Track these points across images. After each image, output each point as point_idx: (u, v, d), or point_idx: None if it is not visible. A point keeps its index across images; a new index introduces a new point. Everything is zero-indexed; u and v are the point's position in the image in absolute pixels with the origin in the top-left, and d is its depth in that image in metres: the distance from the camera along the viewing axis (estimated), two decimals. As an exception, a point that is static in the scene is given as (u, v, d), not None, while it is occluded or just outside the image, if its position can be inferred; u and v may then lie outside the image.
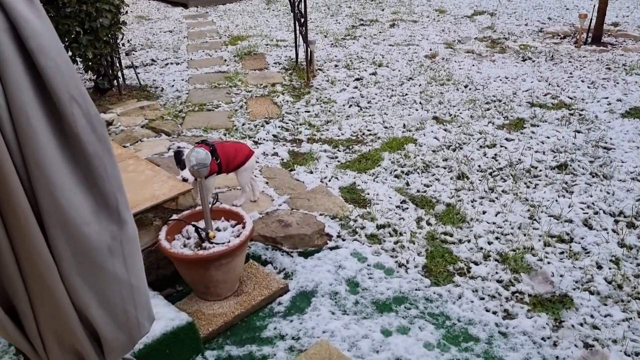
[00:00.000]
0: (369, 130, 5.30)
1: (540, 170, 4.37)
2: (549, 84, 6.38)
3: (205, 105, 6.05)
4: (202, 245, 2.85)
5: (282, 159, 4.73)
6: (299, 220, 3.60)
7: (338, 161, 4.68)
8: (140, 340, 1.83)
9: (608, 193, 4.01)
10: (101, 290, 1.48)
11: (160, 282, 3.13)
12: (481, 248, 3.44)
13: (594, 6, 8.12)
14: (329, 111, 5.79)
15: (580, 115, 5.45)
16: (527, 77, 6.66)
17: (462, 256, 3.38)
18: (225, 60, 7.93)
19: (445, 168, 4.48)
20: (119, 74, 6.41)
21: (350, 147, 4.96)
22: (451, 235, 3.57)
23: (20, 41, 1.25)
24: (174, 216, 3.03)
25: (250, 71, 7.30)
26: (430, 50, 7.96)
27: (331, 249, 3.45)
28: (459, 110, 5.69)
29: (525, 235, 3.55)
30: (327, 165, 4.59)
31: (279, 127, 5.40)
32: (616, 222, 3.69)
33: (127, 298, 1.53)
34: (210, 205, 2.95)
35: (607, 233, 3.56)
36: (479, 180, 4.27)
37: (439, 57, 7.61)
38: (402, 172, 4.43)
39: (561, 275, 3.16)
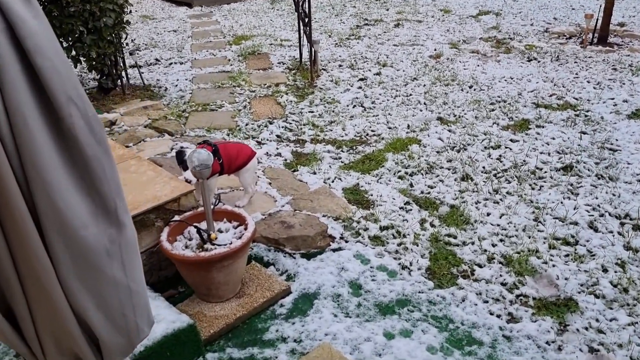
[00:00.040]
0: (372, 130, 5.27)
1: (545, 172, 4.34)
2: (555, 85, 6.33)
3: (209, 105, 6.04)
4: (204, 246, 2.83)
5: (286, 160, 4.71)
6: (301, 222, 3.58)
7: (341, 162, 4.66)
8: (140, 343, 1.82)
9: (614, 195, 3.97)
10: (99, 294, 1.47)
11: (162, 283, 3.12)
12: (485, 250, 3.41)
13: (600, 6, 8.06)
14: (333, 111, 5.77)
15: (585, 116, 5.41)
16: (533, 77, 6.62)
17: (466, 258, 3.35)
18: (229, 59, 7.92)
19: (449, 169, 4.45)
20: (123, 73, 6.41)
21: (354, 147, 4.93)
22: (455, 237, 3.54)
23: (17, 41, 1.23)
24: (176, 217, 3.01)
25: (254, 71, 7.29)
26: (435, 50, 7.93)
27: (334, 250, 3.43)
28: (463, 110, 5.66)
29: (529, 237, 3.52)
30: (330, 166, 4.57)
31: (282, 127, 5.38)
32: (622, 224, 3.65)
33: (126, 302, 1.52)
34: (212, 207, 2.93)
35: (613, 235, 3.52)
36: (484, 181, 4.24)
37: (444, 57, 7.58)
38: (406, 173, 4.40)
39: (566, 278, 3.13)
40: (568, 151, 4.67)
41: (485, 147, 4.81)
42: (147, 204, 2.94)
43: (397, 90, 6.29)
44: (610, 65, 6.89)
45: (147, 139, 5.01)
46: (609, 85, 6.21)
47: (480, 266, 3.28)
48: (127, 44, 6.83)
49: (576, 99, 5.87)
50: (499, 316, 2.89)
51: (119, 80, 6.37)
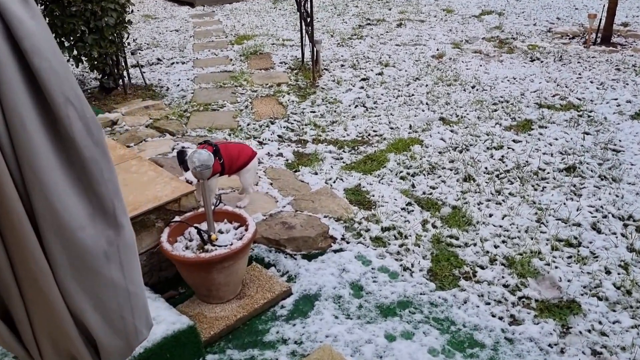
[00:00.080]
0: (374, 131, 5.25)
1: (548, 173, 4.31)
2: (558, 85, 6.30)
3: (210, 105, 6.03)
4: (205, 247, 2.82)
5: (287, 160, 4.70)
6: (302, 223, 3.57)
7: (343, 162, 4.64)
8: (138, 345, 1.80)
9: (617, 196, 3.95)
10: (97, 296, 1.46)
11: (162, 284, 3.11)
12: (487, 252, 3.39)
13: (604, 6, 8.03)
14: (335, 111, 5.75)
15: (589, 116, 5.38)
16: (535, 77, 6.59)
17: (468, 260, 3.33)
18: (231, 59, 7.90)
19: (451, 170, 4.43)
20: (125, 73, 6.40)
21: (356, 148, 4.91)
22: (457, 239, 3.52)
23: (14, 42, 1.22)
24: (176, 218, 3.00)
25: (255, 71, 7.28)
26: (438, 50, 7.90)
27: (335, 251, 3.41)
28: (465, 111, 5.64)
29: (532, 239, 3.50)
30: (332, 167, 4.55)
31: (284, 127, 5.36)
32: (625, 226, 3.62)
33: (124, 304, 1.51)
34: (212, 207, 2.92)
35: (616, 237, 3.50)
36: (486, 182, 4.21)
37: (446, 57, 7.55)
38: (408, 173, 4.38)
39: (569, 280, 3.11)
40: (571, 152, 4.64)
41: (487, 148, 4.79)
42: (148, 204, 2.93)
43: (399, 91, 6.27)
44: (614, 66, 6.86)
45: (148, 139, 5.00)
46: (612, 85, 6.18)
47: (482, 268, 3.26)
48: (128, 44, 6.82)
49: (579, 99, 5.84)
50: (501, 318, 2.87)
51: (121, 80, 6.37)
